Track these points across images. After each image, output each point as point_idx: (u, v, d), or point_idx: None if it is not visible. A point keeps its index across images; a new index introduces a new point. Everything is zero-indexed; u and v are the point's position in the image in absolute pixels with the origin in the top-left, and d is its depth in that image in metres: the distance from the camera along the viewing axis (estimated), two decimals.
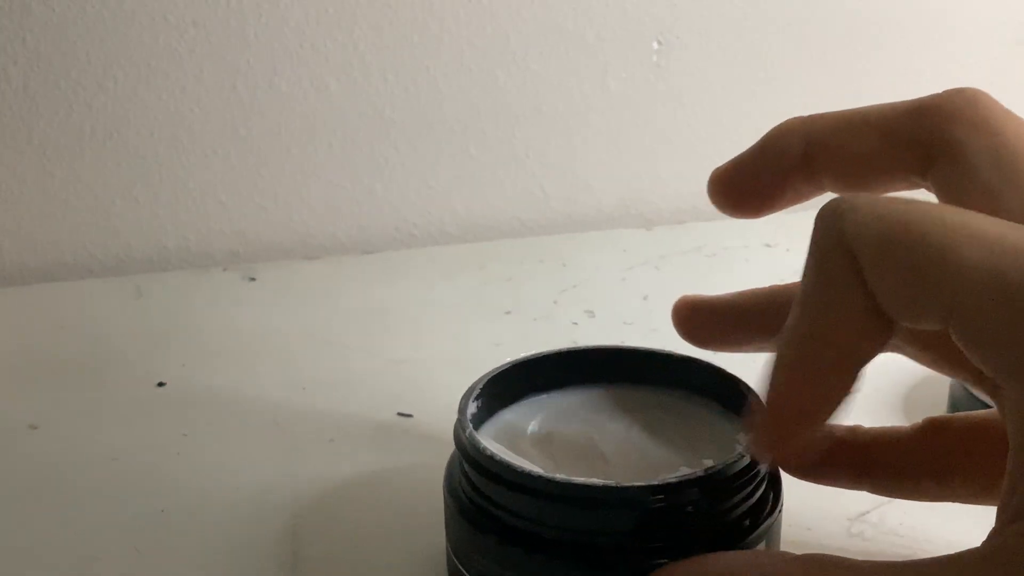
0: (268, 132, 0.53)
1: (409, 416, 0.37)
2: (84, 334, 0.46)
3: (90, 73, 0.50)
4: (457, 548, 0.26)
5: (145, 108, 0.51)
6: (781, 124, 0.26)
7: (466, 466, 0.26)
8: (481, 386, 0.28)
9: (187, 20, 0.51)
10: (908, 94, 0.26)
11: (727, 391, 0.27)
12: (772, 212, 0.27)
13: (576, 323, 0.45)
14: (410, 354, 0.43)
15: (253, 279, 0.51)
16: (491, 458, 0.24)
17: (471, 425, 0.26)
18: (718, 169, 0.27)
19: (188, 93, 0.52)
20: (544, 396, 0.29)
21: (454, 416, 0.37)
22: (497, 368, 0.29)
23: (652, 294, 0.48)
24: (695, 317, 0.28)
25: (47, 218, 0.52)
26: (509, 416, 0.28)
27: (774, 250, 0.53)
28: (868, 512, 0.31)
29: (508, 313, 0.47)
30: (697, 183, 0.58)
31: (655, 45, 0.56)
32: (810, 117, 0.26)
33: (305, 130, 0.54)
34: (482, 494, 0.25)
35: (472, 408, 0.27)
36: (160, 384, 0.41)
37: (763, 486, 0.25)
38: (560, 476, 0.24)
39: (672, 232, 0.55)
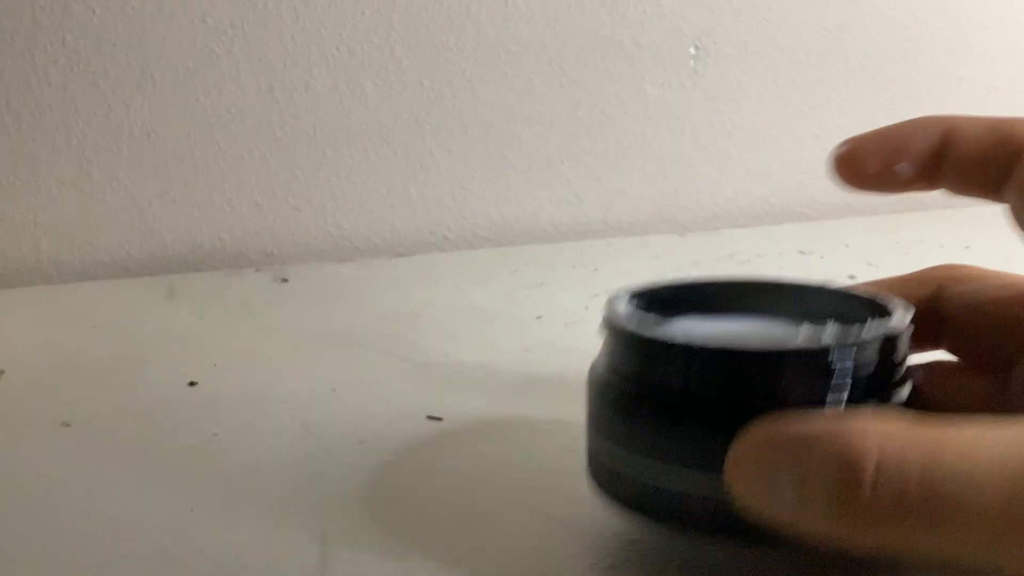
0: (303, 134, 0.54)
1: (439, 420, 0.37)
2: (117, 333, 0.46)
3: (129, 74, 0.51)
4: (608, 432, 0.26)
5: (182, 109, 0.52)
6: (921, 117, 0.27)
7: (619, 344, 0.26)
8: (631, 293, 0.28)
9: (225, 22, 0.51)
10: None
11: (875, 309, 0.27)
12: (884, 192, 0.27)
13: None
14: (441, 358, 0.43)
15: (285, 280, 0.52)
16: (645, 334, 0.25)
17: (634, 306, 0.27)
18: (853, 137, 0.27)
19: (225, 95, 0.52)
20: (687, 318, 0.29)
21: (484, 421, 0.37)
22: (645, 285, 0.29)
23: None
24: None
25: (84, 217, 0.53)
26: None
27: (808, 257, 0.53)
28: None
29: (539, 318, 0.46)
30: (731, 190, 0.59)
31: (692, 51, 0.55)
32: (951, 116, 0.26)
33: (340, 133, 0.54)
34: (638, 370, 0.25)
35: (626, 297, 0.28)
36: (192, 383, 0.41)
37: (906, 357, 0.25)
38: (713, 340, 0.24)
39: (705, 238, 0.55)
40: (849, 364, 0.24)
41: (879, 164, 0.27)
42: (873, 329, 0.25)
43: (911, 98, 0.58)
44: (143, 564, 0.30)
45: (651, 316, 0.28)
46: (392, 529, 0.32)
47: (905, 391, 0.25)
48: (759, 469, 0.21)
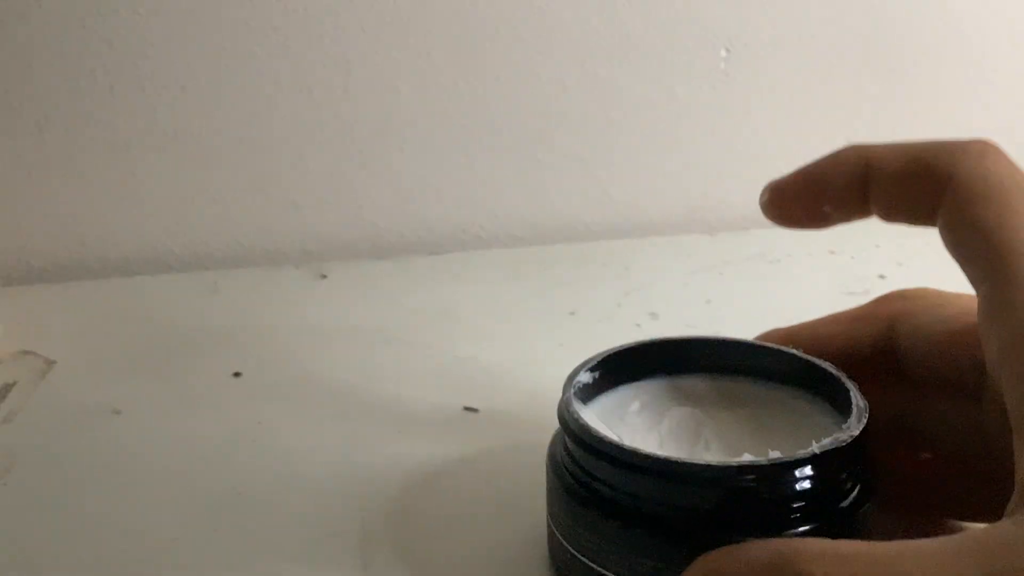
0: (341, 135, 0.55)
1: (475, 411, 0.38)
2: (163, 326, 0.48)
3: (173, 76, 0.52)
4: (558, 521, 0.27)
5: (224, 110, 0.53)
6: (840, 149, 0.27)
7: (568, 441, 0.27)
8: (589, 366, 0.29)
9: (267, 25, 0.52)
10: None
11: (833, 389, 0.28)
12: (820, 228, 0.28)
13: (639, 325, 0.46)
14: (475, 352, 0.44)
15: (324, 276, 0.53)
16: (591, 433, 0.26)
17: (576, 401, 0.27)
18: (775, 181, 0.28)
19: (266, 96, 0.53)
20: (648, 381, 0.30)
21: (520, 411, 0.38)
22: (603, 352, 0.30)
23: (715, 298, 0.48)
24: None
25: (127, 215, 0.55)
26: (613, 397, 0.29)
27: (838, 257, 0.53)
28: None
29: (572, 314, 0.47)
30: (760, 190, 0.59)
31: (723, 53, 0.56)
32: (868, 144, 0.26)
33: (377, 133, 0.55)
34: (584, 469, 0.26)
35: (577, 385, 0.28)
36: (236, 374, 0.42)
37: (855, 476, 0.26)
38: (659, 452, 0.25)
39: (735, 238, 0.56)
40: (796, 483, 0.24)
41: (802, 208, 0.27)
42: (825, 444, 0.24)
43: (941, 99, 0.59)
44: (193, 545, 0.32)
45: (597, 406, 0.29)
46: (429, 514, 0.33)
47: (854, 495, 0.25)
48: None
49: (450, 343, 0.45)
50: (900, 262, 0.52)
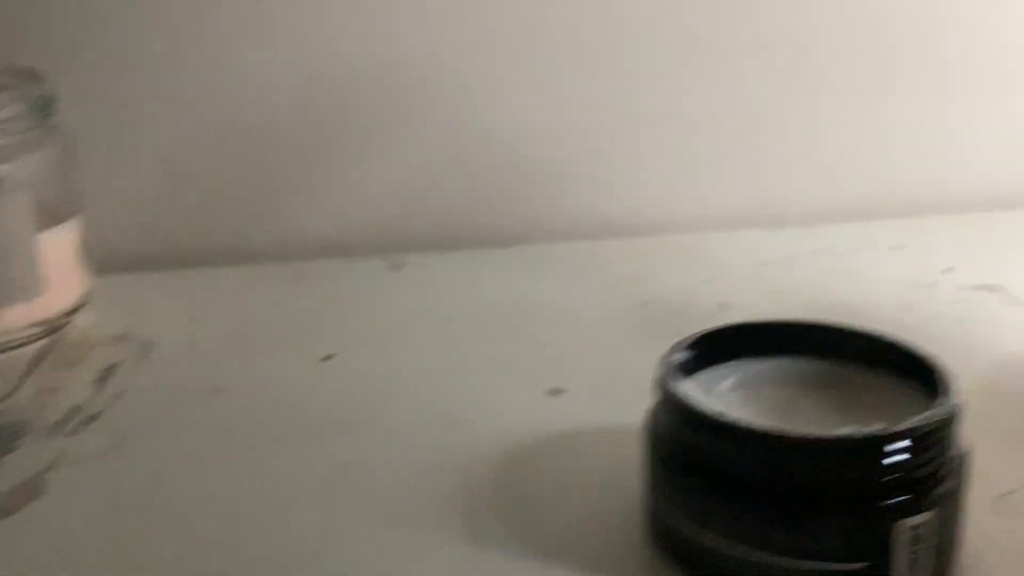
0: (416, 131, 0.57)
1: (561, 392, 0.40)
2: (252, 312, 0.50)
3: (264, 68, 0.55)
4: (655, 491, 0.29)
5: (308, 105, 0.55)
6: None
7: (668, 414, 0.28)
8: (686, 345, 0.30)
9: (351, 21, 0.54)
10: None
11: (924, 369, 0.29)
12: None
13: (710, 316, 0.47)
14: (554, 338, 0.46)
15: (400, 267, 0.55)
16: (692, 406, 0.27)
17: (675, 375, 0.29)
18: None
19: (349, 91, 0.55)
20: (742, 361, 0.31)
21: (603, 394, 0.40)
22: (697, 332, 0.31)
23: (784, 290, 0.50)
24: None
25: (213, 209, 0.57)
26: (708, 375, 0.31)
27: (902, 252, 0.54)
28: (1014, 491, 0.32)
29: (644, 305, 0.49)
30: (827, 185, 0.60)
31: (790, 51, 0.57)
32: None
33: (450, 133, 0.57)
34: (683, 440, 0.28)
35: (675, 362, 0.30)
36: (326, 358, 0.44)
37: (947, 451, 0.27)
38: (760, 423, 0.26)
39: (802, 233, 0.57)
40: (890, 456, 0.25)
41: None
42: (919, 419, 0.26)
43: (1006, 98, 0.59)
44: (307, 514, 0.33)
45: (700, 378, 0.30)
46: (527, 486, 0.34)
47: (947, 470, 0.27)
48: None
49: (528, 330, 0.47)
50: (966, 256, 0.53)
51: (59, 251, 0.46)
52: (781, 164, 0.59)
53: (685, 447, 0.28)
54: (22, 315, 0.45)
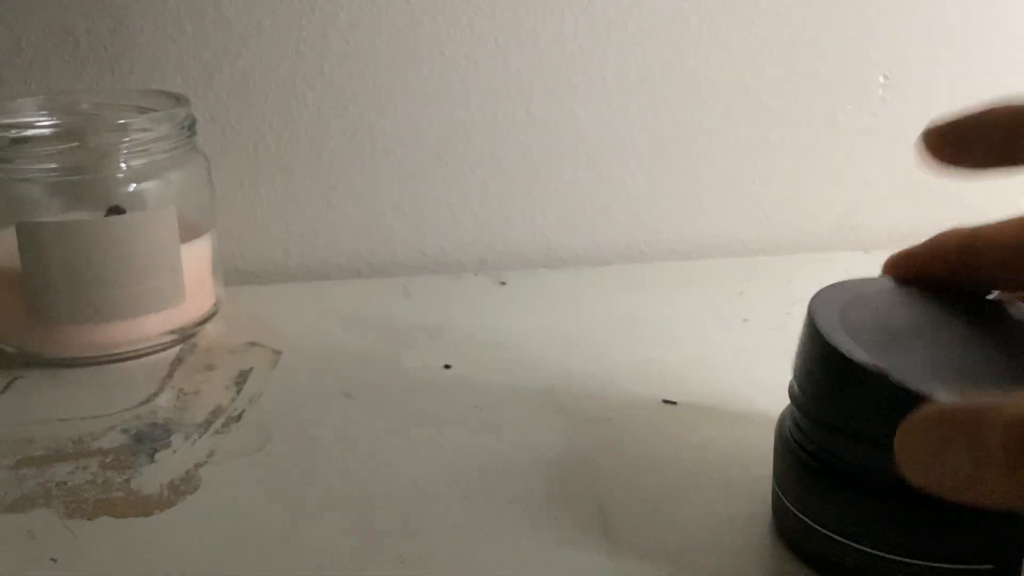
0: (520, 155, 0.60)
1: (675, 403, 0.42)
2: (368, 323, 0.53)
3: (375, 99, 0.58)
4: (789, 493, 0.31)
5: (418, 131, 0.59)
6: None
7: (801, 417, 0.30)
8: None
9: (460, 54, 0.57)
10: None
11: None
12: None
13: None
14: (661, 353, 0.48)
15: (504, 283, 0.57)
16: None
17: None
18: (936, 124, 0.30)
19: (455, 119, 0.58)
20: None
21: (716, 405, 0.42)
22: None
23: None
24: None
25: (327, 225, 0.60)
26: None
27: None
28: None
29: (746, 321, 0.51)
30: (916, 212, 0.62)
31: (881, 80, 0.59)
32: None
33: (553, 154, 0.60)
34: (819, 444, 0.29)
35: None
36: (447, 366, 0.47)
37: None
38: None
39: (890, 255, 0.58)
40: None
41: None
42: None
43: None
44: (441, 512, 0.36)
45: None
46: (654, 490, 0.37)
47: None
48: (930, 442, 0.23)
49: (634, 345, 0.49)
50: None
51: (196, 263, 0.49)
52: (871, 190, 0.61)
53: (816, 450, 0.30)
54: (161, 322, 0.48)
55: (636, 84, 0.59)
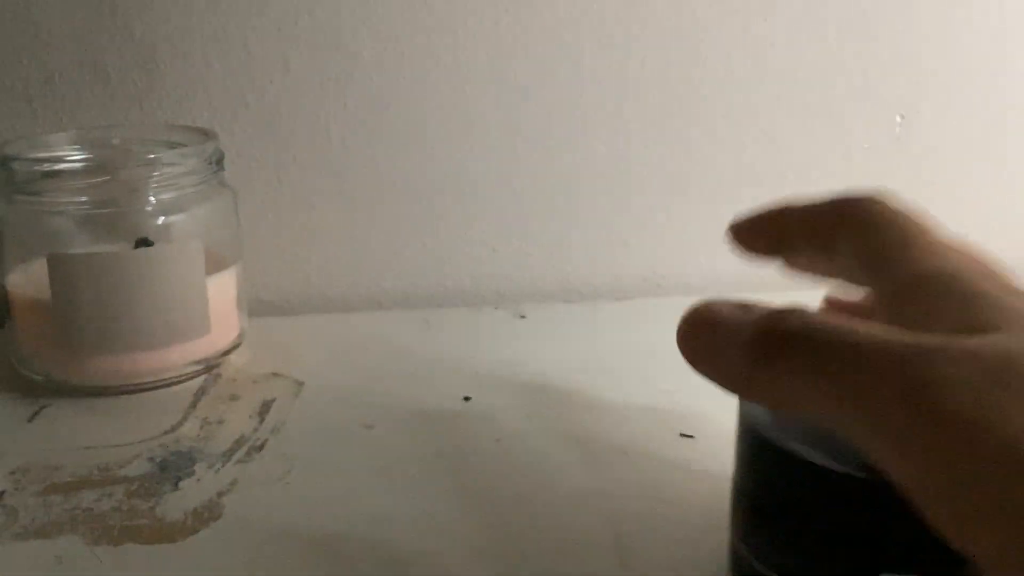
0: (537, 188, 0.61)
1: (692, 437, 0.43)
2: (388, 355, 0.53)
3: (400, 134, 0.59)
4: (746, 538, 0.31)
5: (439, 166, 0.60)
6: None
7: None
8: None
9: (479, 90, 0.58)
10: None
11: None
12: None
13: None
14: (677, 387, 0.48)
15: (523, 317, 0.58)
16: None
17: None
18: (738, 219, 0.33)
19: (475, 153, 0.59)
20: None
21: (733, 439, 0.42)
22: None
23: None
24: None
25: (348, 257, 0.61)
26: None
27: None
28: None
29: None
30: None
31: (898, 119, 0.60)
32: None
33: (572, 188, 0.61)
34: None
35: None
36: (466, 399, 0.48)
37: None
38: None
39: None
40: None
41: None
42: None
43: None
44: (456, 552, 0.36)
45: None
46: (677, 521, 0.37)
47: None
48: (701, 329, 0.26)
49: (652, 378, 0.49)
50: None
51: (222, 294, 0.50)
52: None
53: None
54: (187, 353, 0.49)
55: (654, 120, 0.60)
